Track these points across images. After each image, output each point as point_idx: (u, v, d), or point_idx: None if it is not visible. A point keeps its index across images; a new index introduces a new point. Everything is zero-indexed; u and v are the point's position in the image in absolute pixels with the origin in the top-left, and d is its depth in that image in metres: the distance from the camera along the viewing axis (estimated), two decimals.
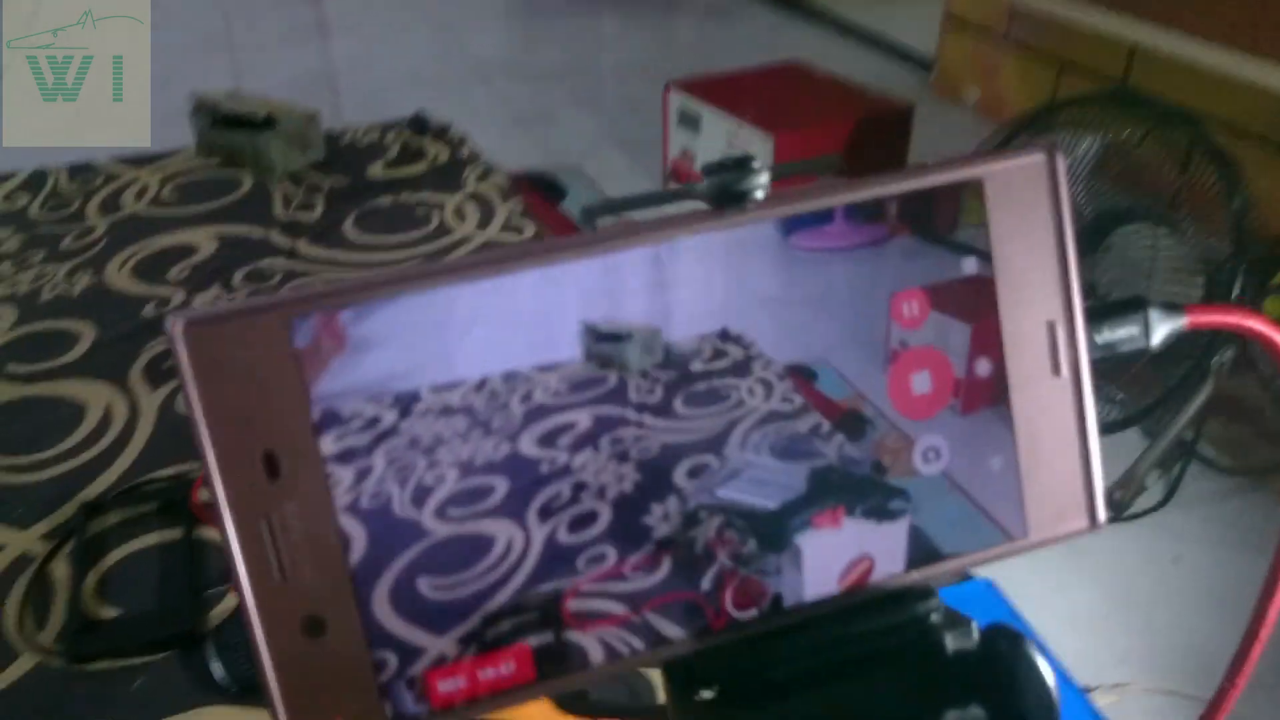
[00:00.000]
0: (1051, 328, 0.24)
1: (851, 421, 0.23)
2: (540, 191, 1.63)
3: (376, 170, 1.64)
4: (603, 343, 0.22)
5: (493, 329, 0.21)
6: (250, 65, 2.27)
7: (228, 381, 0.20)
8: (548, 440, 0.22)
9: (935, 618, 0.24)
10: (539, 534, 0.22)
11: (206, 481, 0.20)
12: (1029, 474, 0.24)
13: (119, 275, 1.35)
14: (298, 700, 0.21)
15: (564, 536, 0.22)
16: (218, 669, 0.79)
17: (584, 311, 0.22)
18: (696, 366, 0.22)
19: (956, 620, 0.24)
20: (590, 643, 0.22)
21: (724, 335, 0.22)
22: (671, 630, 0.23)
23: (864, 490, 0.23)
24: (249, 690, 0.78)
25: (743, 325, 0.22)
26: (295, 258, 1.39)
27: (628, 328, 0.22)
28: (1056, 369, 0.24)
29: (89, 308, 1.28)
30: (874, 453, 0.23)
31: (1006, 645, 0.23)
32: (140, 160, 1.65)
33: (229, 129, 1.60)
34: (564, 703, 0.71)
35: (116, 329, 1.23)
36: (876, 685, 0.23)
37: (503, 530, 0.22)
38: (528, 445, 0.22)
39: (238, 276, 1.34)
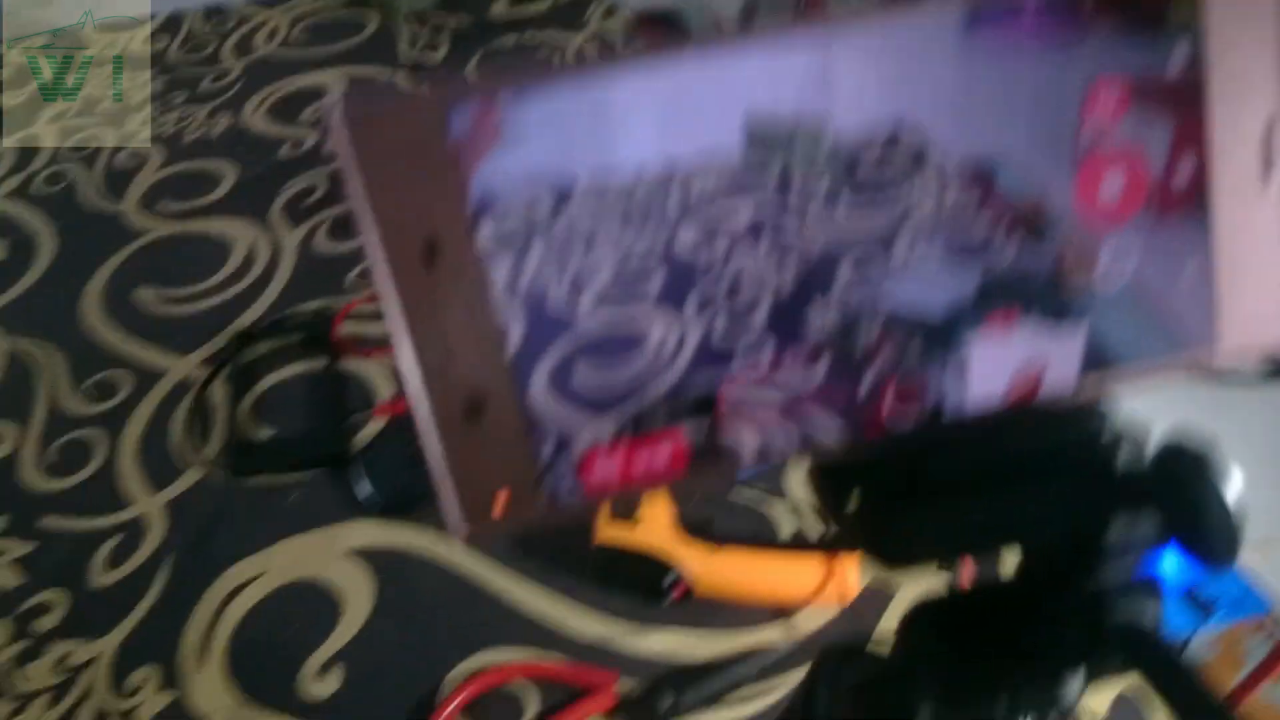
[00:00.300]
0: (1270, 126, 0.22)
1: (1032, 224, 0.22)
2: (664, 29, 1.57)
3: (500, 9, 1.60)
4: (766, 133, 0.21)
5: (652, 120, 0.20)
6: None
7: (388, 169, 0.20)
8: (706, 233, 0.21)
9: (1107, 432, 0.23)
10: (695, 326, 0.21)
11: (370, 267, 0.21)
12: (1223, 290, 0.22)
13: (255, 116, 1.38)
14: (461, 481, 0.22)
15: (720, 330, 0.22)
16: (364, 488, 0.85)
17: (747, 104, 0.20)
18: (865, 160, 0.21)
19: (1130, 436, 0.23)
20: (743, 436, 0.22)
21: (895, 130, 0.21)
22: (825, 431, 0.22)
23: (1040, 294, 0.22)
24: (392, 508, 0.84)
25: (916, 119, 0.21)
26: None
27: (792, 121, 0.21)
28: (1268, 176, 0.22)
29: (229, 148, 1.32)
30: (1054, 259, 0.22)
31: (1186, 464, 0.22)
32: (271, 1, 1.66)
33: None
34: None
35: (255, 169, 1.27)
36: (1038, 494, 0.22)
37: (660, 321, 0.21)
38: (686, 238, 0.21)
39: None
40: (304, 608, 0.79)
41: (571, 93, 0.20)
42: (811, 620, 0.73)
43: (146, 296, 1.10)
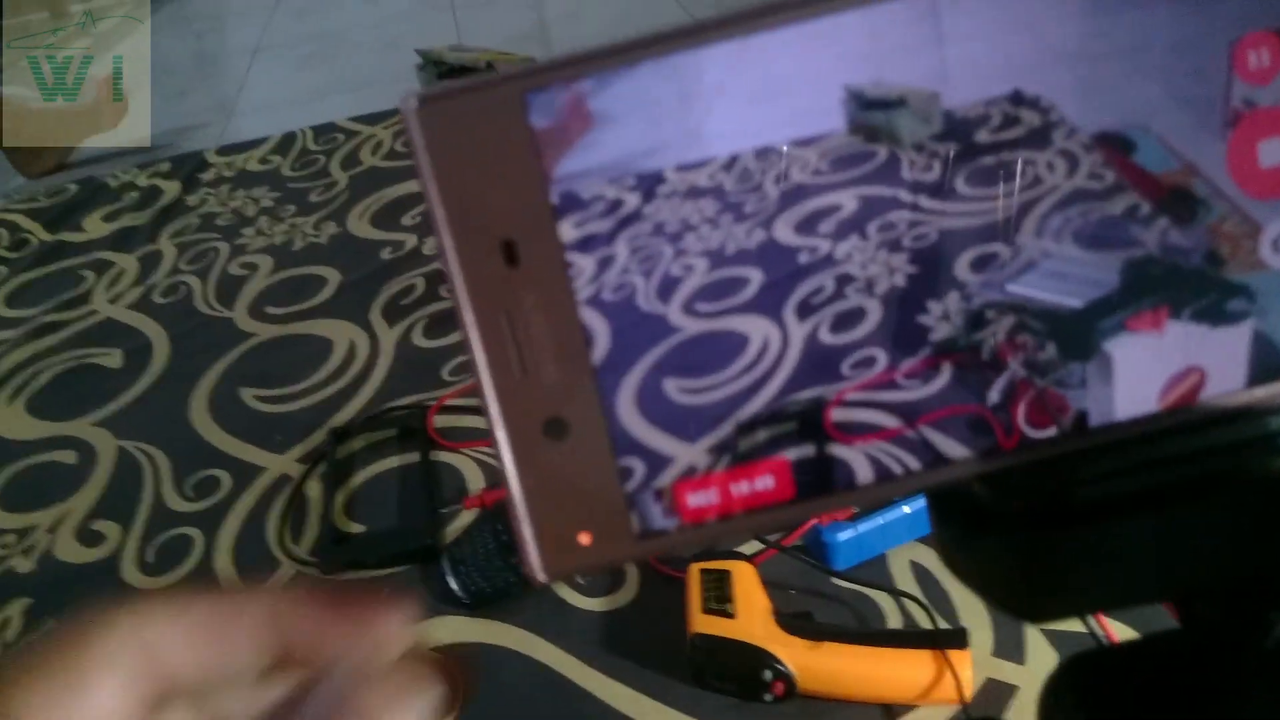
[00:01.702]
0: None
1: (1179, 201, 0.19)
2: None
3: None
4: (870, 110, 0.19)
5: (745, 98, 0.19)
6: (468, 22, 2.35)
7: (463, 163, 0.19)
8: (808, 225, 0.19)
9: None
10: (798, 333, 0.19)
11: (444, 271, 0.19)
12: None
13: (359, 223, 1.44)
14: (541, 509, 0.20)
15: (826, 336, 0.19)
16: (453, 582, 0.83)
17: (848, 75, 0.19)
18: (982, 137, 0.19)
19: None
20: (857, 459, 0.20)
21: (1016, 98, 0.19)
22: (952, 448, 0.20)
23: (1194, 286, 0.19)
24: (480, 602, 0.81)
25: (1040, 85, 0.19)
26: None
27: (900, 92, 0.19)
28: None
29: (334, 254, 1.37)
30: (1208, 240, 0.19)
31: None
32: (374, 118, 1.75)
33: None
34: (787, 624, 0.69)
35: (358, 271, 1.31)
36: (1206, 519, 0.19)
37: (757, 328, 0.19)
38: (785, 231, 0.19)
39: None
40: None
41: (656, 72, 0.18)
42: None
43: (249, 397, 1.13)
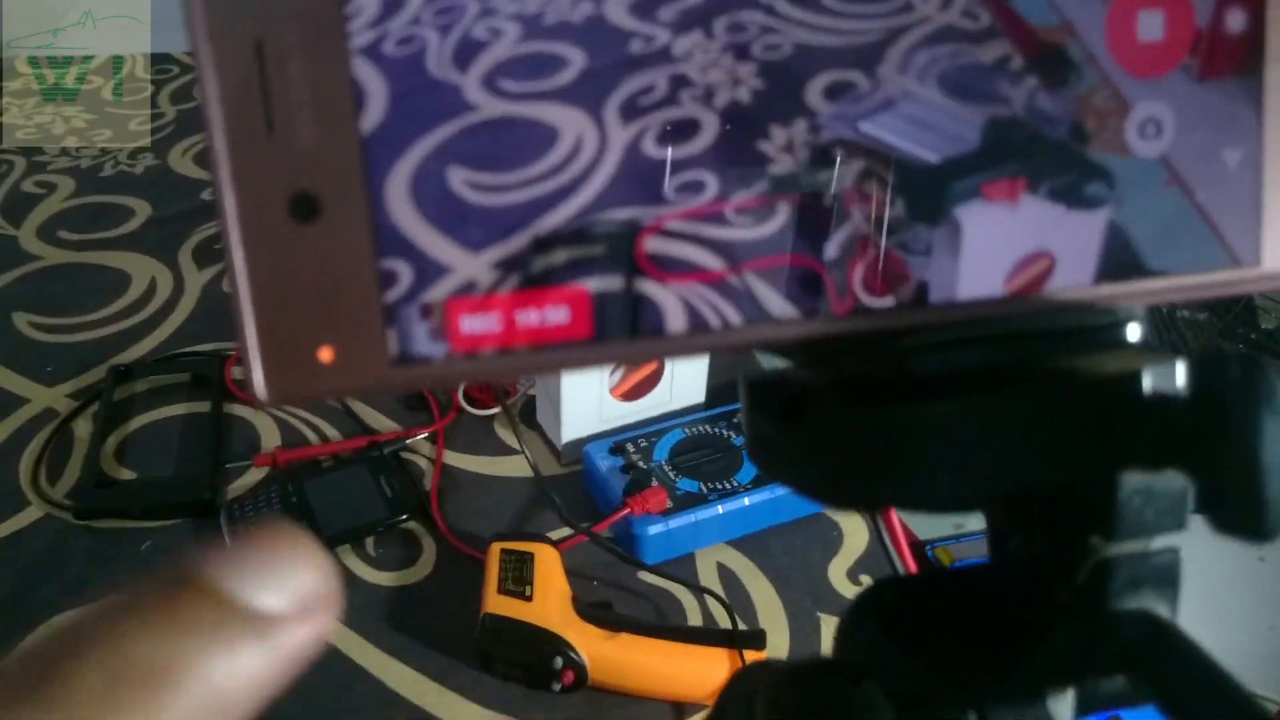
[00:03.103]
0: None
1: (1053, 60, 0.17)
2: None
3: None
4: None
5: None
6: None
7: None
8: (646, 8, 0.16)
9: (1131, 340, 0.18)
10: (619, 137, 0.16)
11: None
12: (1275, 179, 0.18)
13: (182, 160, 1.32)
14: (274, 310, 0.16)
15: (651, 148, 0.16)
16: (230, 541, 0.75)
17: None
18: None
19: (1160, 353, 0.18)
20: (669, 301, 0.17)
21: None
22: (779, 305, 0.17)
23: (1055, 160, 0.17)
24: None
25: None
26: None
27: None
28: None
29: (148, 186, 1.25)
30: (1076, 111, 0.17)
31: (1237, 378, 0.16)
32: None
33: None
34: (585, 612, 0.66)
35: (171, 208, 1.20)
36: (1036, 411, 0.17)
37: (571, 122, 0.16)
38: (617, 10, 0.16)
39: None
40: None
41: None
42: None
43: (22, 322, 1.00)
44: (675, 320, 0.17)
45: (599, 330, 0.16)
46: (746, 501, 0.76)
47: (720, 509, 0.75)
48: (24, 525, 0.78)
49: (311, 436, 0.88)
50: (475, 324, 0.16)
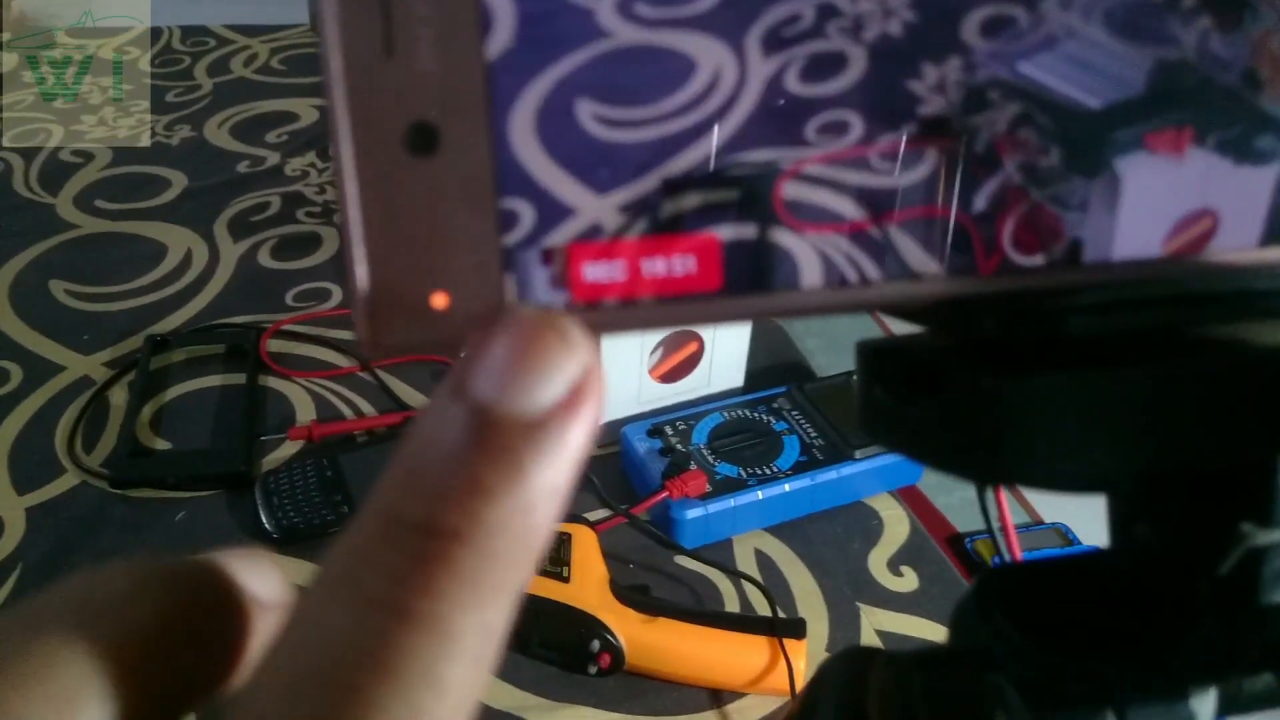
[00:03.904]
0: None
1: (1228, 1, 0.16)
2: None
3: None
4: None
5: None
6: None
7: None
8: None
9: None
10: (760, 71, 0.15)
11: None
12: None
13: (218, 132, 1.32)
14: (386, 251, 0.14)
15: (794, 83, 0.15)
16: (264, 513, 0.75)
17: None
18: None
19: None
20: (805, 253, 0.15)
21: None
22: (921, 260, 0.16)
23: (1225, 109, 0.16)
24: (291, 539, 0.74)
25: None
26: None
27: None
28: None
29: (185, 158, 1.25)
30: (1251, 55, 0.16)
31: None
32: (253, 30, 1.62)
33: None
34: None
35: (208, 179, 1.20)
36: (1194, 390, 0.16)
37: (710, 53, 0.15)
38: None
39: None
40: None
41: None
42: (751, 712, 0.64)
43: (59, 290, 1.00)
44: (810, 274, 0.15)
45: (728, 283, 0.15)
46: (787, 488, 0.75)
47: (760, 495, 0.74)
48: (60, 492, 0.78)
49: (346, 411, 0.87)
50: (599, 272, 0.15)
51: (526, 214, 0.15)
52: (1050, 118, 0.16)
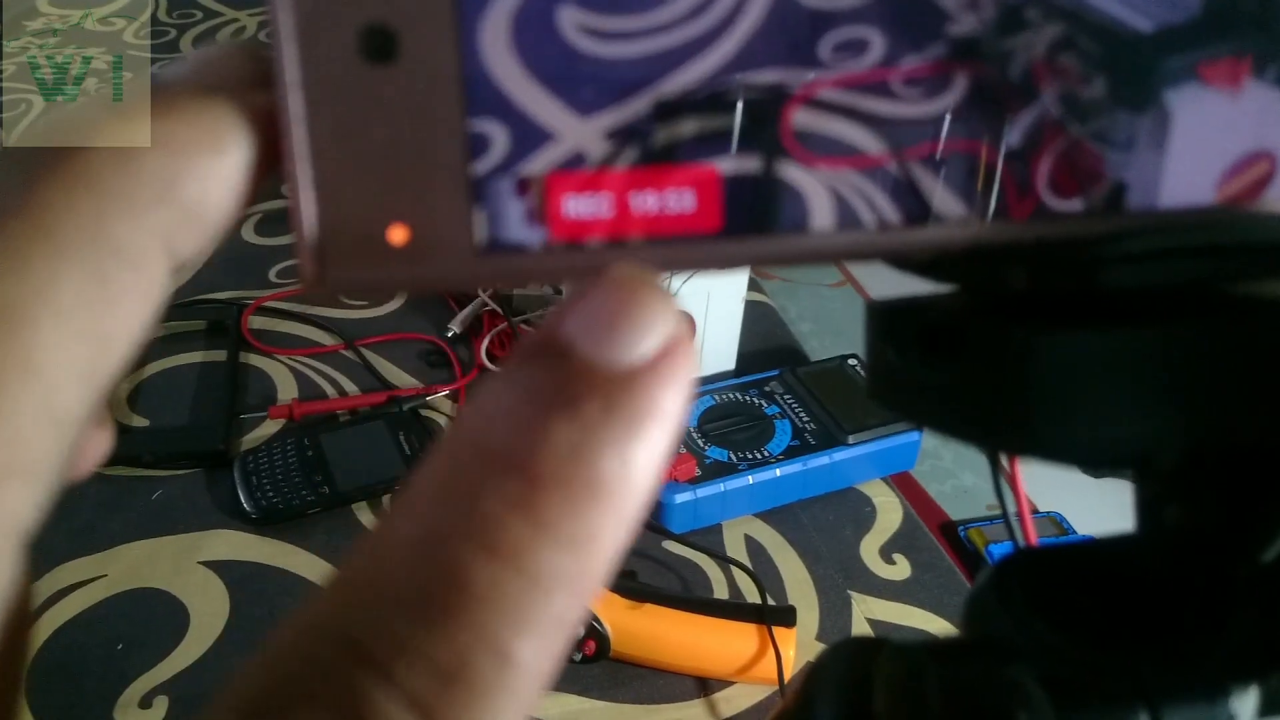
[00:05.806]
0: None
1: None
2: None
3: None
4: None
5: None
6: None
7: None
8: None
9: None
10: None
11: None
12: None
13: None
14: (338, 176, 0.13)
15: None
16: (242, 492, 0.73)
17: None
18: None
19: None
20: (815, 190, 0.14)
21: None
22: (945, 201, 0.14)
23: None
24: (269, 519, 0.72)
25: None
26: None
27: None
28: None
29: None
30: None
31: None
32: (241, 1, 1.60)
33: None
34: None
35: None
36: (1244, 353, 0.14)
37: None
38: None
39: None
40: (140, 622, 0.66)
41: None
42: (738, 701, 0.62)
43: None
44: (821, 215, 0.14)
45: (729, 222, 0.13)
46: (778, 473, 0.73)
47: (750, 479, 0.73)
48: None
49: (329, 390, 0.85)
50: (581, 206, 0.13)
51: (499, 137, 0.13)
52: (1094, 41, 0.14)
